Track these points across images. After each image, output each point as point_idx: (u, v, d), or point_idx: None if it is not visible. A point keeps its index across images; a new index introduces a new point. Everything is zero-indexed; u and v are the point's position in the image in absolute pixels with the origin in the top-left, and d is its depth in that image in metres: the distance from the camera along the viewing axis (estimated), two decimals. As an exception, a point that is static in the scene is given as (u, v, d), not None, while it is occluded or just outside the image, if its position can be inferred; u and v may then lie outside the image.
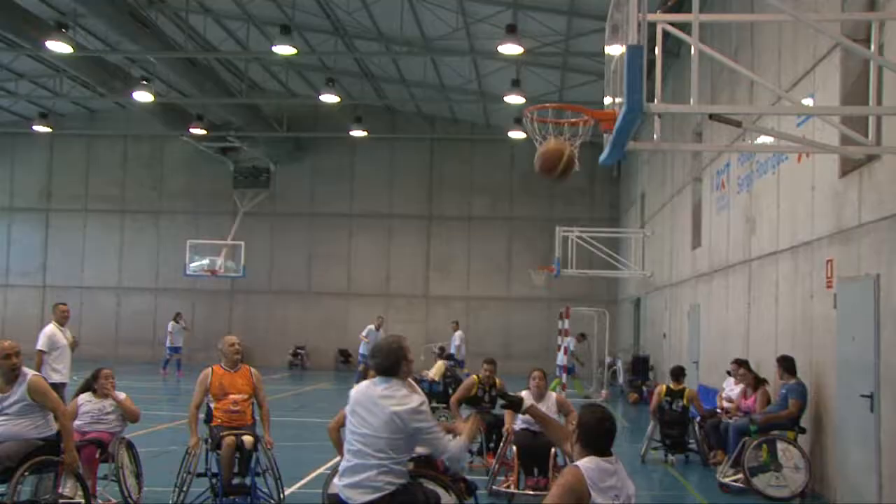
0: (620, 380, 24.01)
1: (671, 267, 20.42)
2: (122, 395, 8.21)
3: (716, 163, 15.60)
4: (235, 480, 7.80)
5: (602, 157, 7.19)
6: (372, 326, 24.73)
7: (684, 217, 18.79)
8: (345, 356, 30.25)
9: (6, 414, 6.60)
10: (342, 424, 7.63)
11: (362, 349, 24.07)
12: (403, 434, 4.97)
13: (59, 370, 10.94)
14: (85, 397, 8.02)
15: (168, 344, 25.54)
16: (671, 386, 12.19)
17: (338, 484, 5.04)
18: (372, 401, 5.02)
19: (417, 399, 5.09)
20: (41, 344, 11.07)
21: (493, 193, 31.46)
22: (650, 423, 12.13)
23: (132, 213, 32.69)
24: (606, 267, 24.43)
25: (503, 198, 31.44)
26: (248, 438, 7.76)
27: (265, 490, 7.87)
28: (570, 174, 6.90)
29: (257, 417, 8.17)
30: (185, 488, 7.75)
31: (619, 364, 24.49)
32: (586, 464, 4.28)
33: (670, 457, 11.89)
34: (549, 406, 8.97)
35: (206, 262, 28.59)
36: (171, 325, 25.83)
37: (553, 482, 8.11)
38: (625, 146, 6.77)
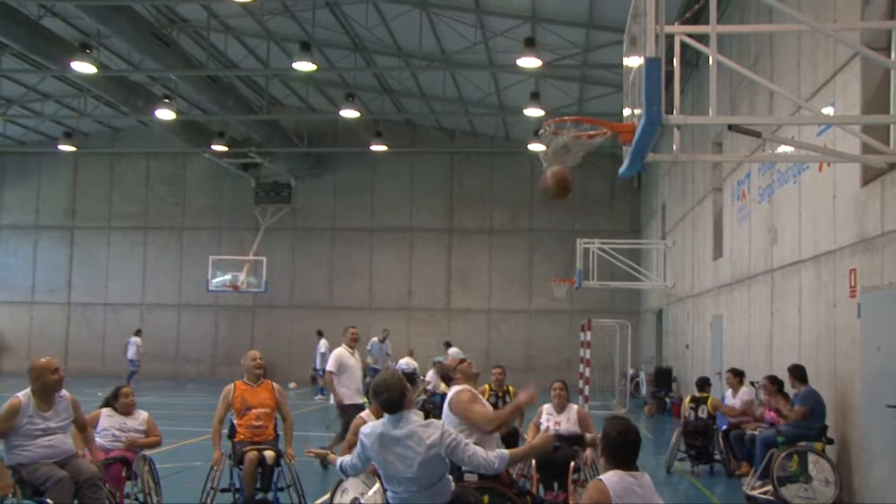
0: (643, 391, 23.89)
1: (693, 278, 20.31)
2: (144, 414, 8.28)
3: (736, 173, 15.54)
4: (259, 496, 7.84)
5: (622, 169, 7.20)
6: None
7: (705, 227, 18.70)
8: (363, 372, 30.24)
9: (54, 433, 6.60)
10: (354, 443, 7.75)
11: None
12: (443, 459, 5.05)
13: (347, 392, 10.90)
14: (107, 412, 8.05)
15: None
16: (696, 395, 12.16)
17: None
18: (401, 444, 4.99)
19: (435, 422, 5.18)
20: (330, 365, 11.21)
21: (513, 206, 31.46)
22: (675, 433, 12.07)
23: (155, 229, 32.99)
24: (628, 278, 24.35)
25: (523, 210, 31.44)
26: (269, 453, 7.80)
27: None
28: (568, 190, 7.00)
29: (281, 432, 8.21)
30: (207, 496, 7.80)
31: (642, 376, 24.35)
32: (610, 477, 4.29)
33: (695, 467, 11.82)
34: (570, 418, 8.93)
35: (228, 277, 28.75)
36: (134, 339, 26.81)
37: (572, 496, 8.09)
38: (644, 158, 6.78)
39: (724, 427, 11.83)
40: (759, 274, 13.68)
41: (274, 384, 8.26)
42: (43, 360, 6.75)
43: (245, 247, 30.29)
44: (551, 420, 8.89)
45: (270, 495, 7.87)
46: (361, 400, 11.03)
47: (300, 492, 7.95)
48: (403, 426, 5.01)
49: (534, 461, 8.72)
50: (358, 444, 5.25)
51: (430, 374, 14.65)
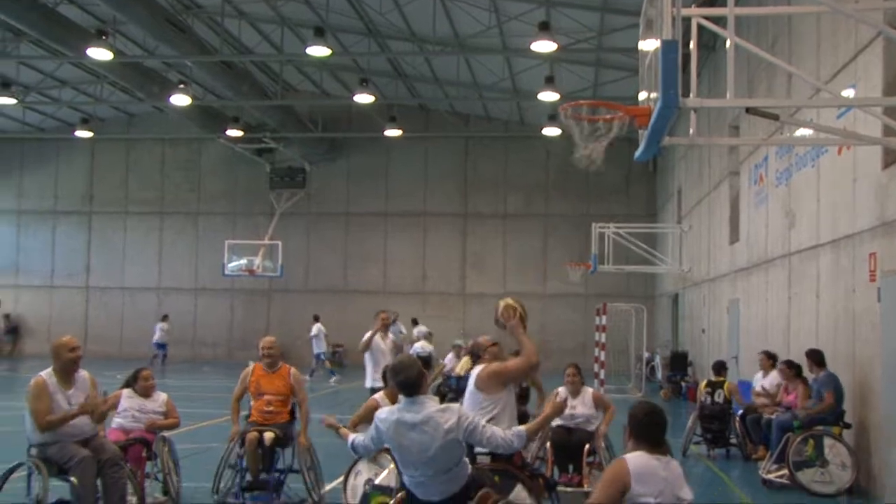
0: (658, 375, 23.86)
1: (709, 262, 20.24)
2: (163, 396, 8.36)
3: (753, 157, 15.44)
4: (262, 476, 7.93)
5: (637, 152, 7.16)
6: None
7: (722, 212, 18.62)
8: (382, 354, 30.33)
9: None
10: (361, 422, 7.81)
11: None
12: (460, 444, 5.07)
13: (376, 375, 10.83)
14: (127, 393, 8.13)
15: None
16: (712, 379, 12.15)
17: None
18: (417, 429, 4.99)
19: (452, 407, 5.20)
20: (362, 348, 11.26)
21: (527, 190, 31.41)
22: (691, 417, 12.07)
23: (171, 214, 33.15)
24: (643, 262, 24.30)
25: (538, 195, 31.38)
26: (268, 435, 7.86)
27: (296, 487, 7.99)
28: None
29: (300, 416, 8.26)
30: (221, 478, 7.91)
31: (657, 360, 24.32)
32: (633, 457, 4.32)
33: (711, 451, 11.82)
34: (585, 401, 8.94)
35: (244, 262, 28.86)
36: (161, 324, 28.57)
37: (586, 479, 8.13)
38: (660, 142, 6.74)
39: (741, 411, 11.82)
40: (777, 258, 13.62)
41: (291, 370, 8.28)
42: (64, 338, 6.85)
43: (260, 231, 30.40)
44: (567, 405, 8.90)
45: (275, 477, 7.97)
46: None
47: (315, 476, 7.99)
48: (420, 411, 5.01)
49: (549, 444, 8.75)
50: (373, 427, 5.26)
51: (448, 358, 14.68)
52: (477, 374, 6.26)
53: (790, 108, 10.83)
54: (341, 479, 7.83)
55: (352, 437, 5.53)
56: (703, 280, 20.93)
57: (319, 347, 25.11)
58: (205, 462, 8.15)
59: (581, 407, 8.88)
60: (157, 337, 28.53)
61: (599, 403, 9.01)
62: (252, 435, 7.85)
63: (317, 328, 25.21)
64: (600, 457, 8.49)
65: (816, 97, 10.59)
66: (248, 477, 7.90)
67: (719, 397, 11.88)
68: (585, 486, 8.12)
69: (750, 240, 15.84)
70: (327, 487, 8.39)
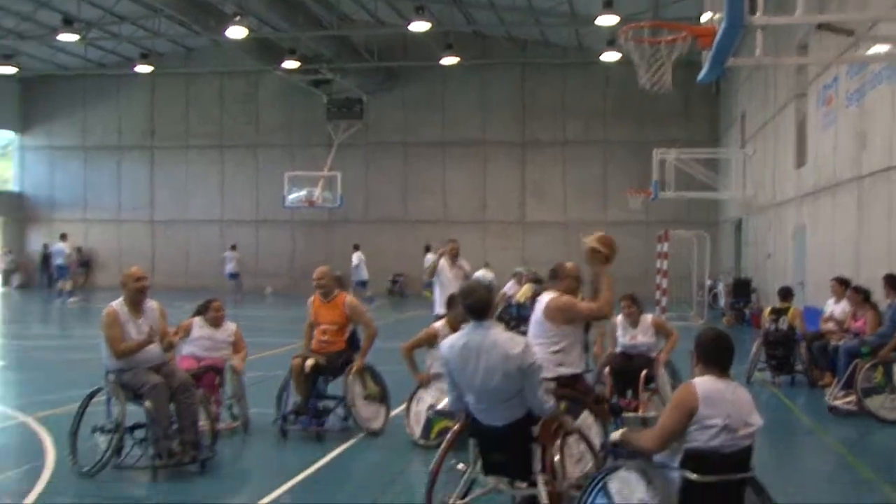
0: (721, 303, 23.62)
1: (774, 187, 19.79)
2: (232, 326, 8.57)
3: (822, 77, 14.90)
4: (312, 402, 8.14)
5: (700, 75, 6.97)
6: (431, 255, 24.44)
7: (788, 135, 18.11)
8: (442, 283, 30.55)
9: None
10: (418, 346, 7.90)
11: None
12: (522, 374, 4.99)
13: (440, 302, 10.92)
14: (198, 322, 8.36)
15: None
16: (776, 305, 11.96)
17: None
18: (483, 354, 4.96)
19: (518, 336, 5.20)
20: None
21: (586, 117, 30.91)
22: (755, 344, 11.94)
23: (230, 147, 33.51)
24: (706, 189, 23.87)
25: (597, 121, 30.88)
26: (308, 362, 7.99)
27: (341, 414, 8.15)
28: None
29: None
30: (282, 403, 8.14)
31: (720, 287, 24.06)
32: (701, 381, 4.32)
33: (776, 378, 11.71)
34: (645, 330, 8.88)
35: (303, 193, 29.12)
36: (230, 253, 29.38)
37: (643, 405, 8.15)
38: (724, 63, 6.55)
39: (801, 337, 11.63)
40: (846, 182, 13.25)
41: (346, 299, 8.30)
42: (132, 269, 7.05)
43: (318, 163, 30.56)
44: (627, 335, 8.88)
45: (320, 403, 8.14)
46: None
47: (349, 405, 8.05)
48: (487, 335, 5.01)
49: (608, 369, 8.76)
50: (442, 362, 5.27)
51: (509, 286, 14.72)
52: (546, 303, 6.17)
53: (866, 22, 10.35)
54: (403, 406, 8.02)
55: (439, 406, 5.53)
56: (768, 205, 20.50)
57: (360, 276, 25.52)
58: (269, 389, 8.38)
59: (641, 336, 8.84)
60: (229, 268, 29.25)
61: (661, 330, 8.94)
62: (296, 362, 8.04)
63: (357, 257, 25.92)
64: (658, 384, 8.47)
65: None
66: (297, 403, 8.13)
67: (783, 324, 11.70)
68: (641, 411, 8.14)
69: (817, 163, 15.42)
70: (392, 414, 8.56)
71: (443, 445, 5.35)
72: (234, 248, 29.87)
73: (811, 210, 15.97)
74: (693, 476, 4.19)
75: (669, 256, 21.27)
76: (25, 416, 8.82)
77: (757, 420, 4.33)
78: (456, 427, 5.41)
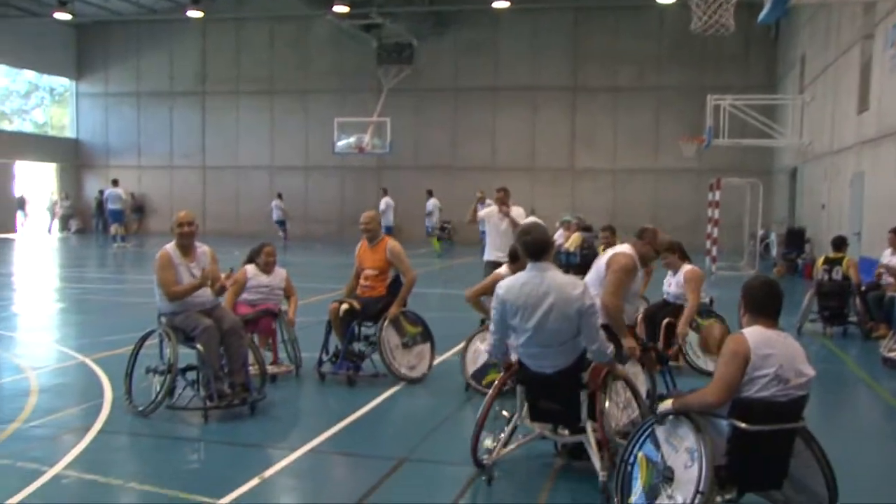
0: (773, 253, 23.21)
1: (832, 134, 19.24)
2: (283, 272, 8.65)
3: (892, 16, 14.32)
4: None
5: (762, 15, 6.76)
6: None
7: (850, 79, 17.53)
8: (490, 231, 30.45)
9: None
10: (484, 293, 7.82)
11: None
12: (581, 317, 5.02)
13: (487, 248, 11.18)
14: (252, 269, 8.46)
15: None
16: (830, 255, 11.69)
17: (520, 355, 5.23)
18: (542, 294, 4.98)
19: (577, 279, 5.18)
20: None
21: (640, 63, 30.26)
22: (807, 294, 11.72)
23: (280, 93, 33.57)
24: (760, 136, 23.32)
25: (651, 67, 30.22)
26: (344, 306, 8.06)
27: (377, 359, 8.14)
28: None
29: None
30: (325, 347, 8.27)
31: (773, 237, 23.62)
32: (750, 331, 4.24)
33: (828, 329, 11.51)
34: (678, 280, 8.65)
35: (352, 139, 29.13)
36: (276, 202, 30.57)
37: (671, 352, 8.08)
38: (787, 2, 6.32)
39: (863, 288, 11.38)
40: (909, 128, 12.81)
41: (388, 245, 8.23)
42: (180, 213, 7.12)
43: (368, 109, 30.50)
44: (665, 281, 8.86)
45: (356, 347, 8.24)
46: (497, 257, 11.13)
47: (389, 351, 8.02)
48: (545, 277, 5.02)
49: (640, 315, 8.63)
50: (495, 304, 5.16)
51: (558, 234, 14.64)
52: (615, 255, 6.00)
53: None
54: (450, 352, 8.06)
55: (482, 349, 5.53)
56: (825, 153, 19.97)
57: (386, 221, 24.99)
58: (317, 334, 8.48)
59: (675, 287, 8.71)
60: (276, 215, 30.15)
61: (687, 285, 8.44)
62: (333, 306, 8.14)
63: (384, 202, 26.55)
64: (678, 338, 8.19)
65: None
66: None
67: (837, 274, 11.44)
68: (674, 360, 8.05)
69: (881, 108, 14.92)
70: (437, 360, 8.61)
71: (490, 393, 5.38)
72: (280, 196, 30.72)
73: (871, 157, 15.51)
74: (743, 425, 4.14)
75: (721, 205, 20.90)
76: (84, 356, 9.08)
77: (809, 370, 4.24)
78: (502, 374, 5.43)
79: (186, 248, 7.00)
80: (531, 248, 5.08)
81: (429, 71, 31.71)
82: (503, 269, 7.88)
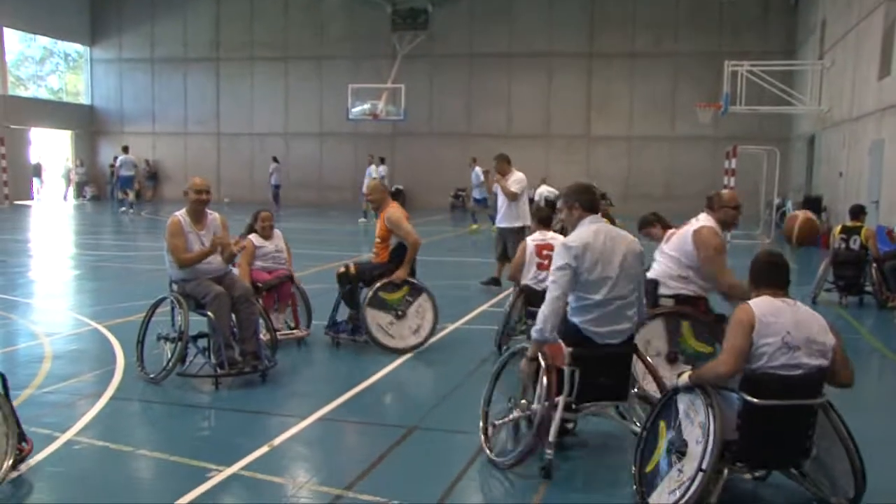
0: (790, 221, 22.99)
1: (852, 100, 18.96)
2: (279, 234, 8.67)
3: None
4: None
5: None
6: (478, 168, 23.04)
7: (872, 44, 17.23)
8: (504, 198, 30.29)
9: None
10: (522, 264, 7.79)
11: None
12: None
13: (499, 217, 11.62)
14: (256, 238, 8.45)
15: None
16: (847, 224, 11.54)
17: (578, 323, 4.98)
18: (613, 239, 4.96)
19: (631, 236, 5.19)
20: (516, 188, 11.53)
21: (657, 28, 29.88)
22: (822, 263, 11.59)
23: (295, 59, 33.39)
24: (778, 103, 23.04)
25: (668, 33, 29.83)
26: (340, 269, 8.19)
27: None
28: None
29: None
30: (336, 310, 8.38)
31: (789, 205, 23.40)
32: (756, 301, 4.23)
33: (843, 299, 11.40)
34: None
35: (367, 106, 29.01)
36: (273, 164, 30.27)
37: None
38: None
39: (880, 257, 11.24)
40: (930, 95, 12.59)
41: (388, 212, 8.10)
42: (195, 180, 7.08)
43: (383, 75, 30.31)
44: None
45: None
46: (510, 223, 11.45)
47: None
48: (610, 228, 5.05)
49: None
50: (566, 260, 4.88)
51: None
52: (700, 229, 6.06)
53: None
54: (461, 321, 8.03)
55: (535, 327, 4.96)
56: (844, 120, 19.70)
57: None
58: (329, 300, 8.49)
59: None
60: (273, 179, 30.10)
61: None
62: (340, 269, 8.23)
63: (376, 170, 25.32)
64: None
65: None
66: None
67: (855, 243, 11.29)
68: None
69: (901, 75, 14.67)
70: (452, 328, 8.60)
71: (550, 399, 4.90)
72: (275, 160, 30.52)
73: (891, 125, 15.28)
74: (752, 399, 4.09)
75: (737, 173, 20.68)
76: (98, 323, 9.13)
77: (828, 339, 4.17)
78: (547, 371, 4.91)
79: (198, 215, 6.98)
80: (591, 204, 5.09)
81: (444, 37, 31.44)
82: (535, 236, 7.85)
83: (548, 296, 4.88)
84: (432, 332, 8.16)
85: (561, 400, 4.87)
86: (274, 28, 33.38)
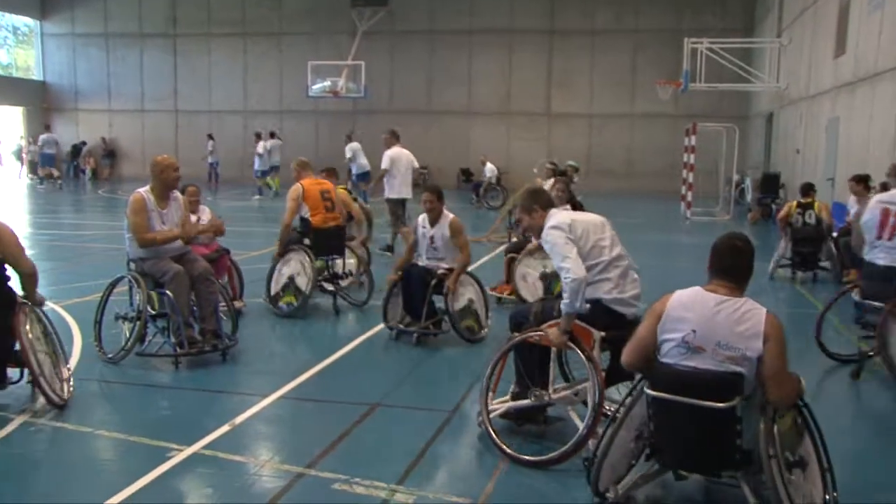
0: (748, 198, 23.31)
1: (809, 78, 19.20)
2: (207, 209, 8.82)
3: (868, -41, 14.20)
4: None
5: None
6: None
7: (828, 21, 17.44)
8: (466, 175, 30.35)
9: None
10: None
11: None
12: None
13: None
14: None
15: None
16: (801, 200, 11.71)
17: (609, 297, 4.93)
18: (589, 216, 5.26)
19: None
20: (384, 164, 12.80)
21: (617, 5, 29.94)
22: (781, 241, 11.75)
23: (253, 35, 32.92)
24: (737, 80, 23.24)
25: (628, 9, 29.91)
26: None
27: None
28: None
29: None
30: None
31: (748, 182, 23.70)
32: (683, 291, 3.93)
33: (798, 273, 11.58)
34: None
35: (327, 83, 28.75)
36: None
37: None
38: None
39: (836, 233, 11.44)
40: (887, 71, 12.79)
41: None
42: (168, 158, 6.93)
43: (343, 52, 30.02)
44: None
45: None
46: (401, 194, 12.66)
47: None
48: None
49: None
50: (559, 241, 4.92)
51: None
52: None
53: None
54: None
55: (564, 301, 4.84)
56: (801, 98, 19.95)
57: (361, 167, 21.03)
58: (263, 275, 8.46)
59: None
60: (212, 158, 30.25)
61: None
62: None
63: (350, 149, 20.92)
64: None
65: None
66: None
67: (810, 218, 11.48)
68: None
69: (858, 51, 14.88)
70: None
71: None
72: (210, 136, 30.59)
73: (847, 102, 15.50)
74: (647, 389, 3.91)
75: (697, 151, 20.88)
76: (54, 303, 8.95)
77: (746, 347, 3.69)
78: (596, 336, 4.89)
79: (164, 194, 6.85)
80: (548, 200, 5.33)
81: (404, 13, 31.19)
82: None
83: (568, 266, 4.79)
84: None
85: (550, 386, 4.96)
86: (231, 3, 32.84)
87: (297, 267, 8.59)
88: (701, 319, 3.77)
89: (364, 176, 19.41)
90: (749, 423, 3.76)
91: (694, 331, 3.77)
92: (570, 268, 4.79)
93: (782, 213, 11.84)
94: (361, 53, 29.52)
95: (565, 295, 4.79)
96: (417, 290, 7.46)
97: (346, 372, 6.78)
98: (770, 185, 21.27)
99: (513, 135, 30.43)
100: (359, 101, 30.29)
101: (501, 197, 22.88)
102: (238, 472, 4.60)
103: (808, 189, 11.88)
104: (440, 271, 7.48)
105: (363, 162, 19.88)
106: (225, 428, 5.24)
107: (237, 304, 8.35)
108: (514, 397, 5.23)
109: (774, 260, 11.62)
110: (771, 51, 23.31)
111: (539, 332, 4.95)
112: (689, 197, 20.79)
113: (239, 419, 5.43)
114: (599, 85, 30.51)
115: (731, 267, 3.88)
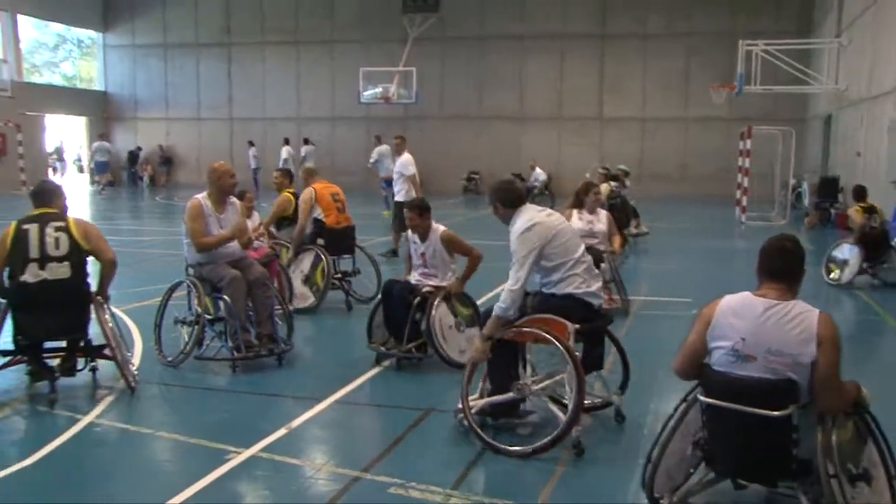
0: (805, 202, 22.86)
1: (870, 78, 18.78)
2: (257, 217, 9.07)
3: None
4: None
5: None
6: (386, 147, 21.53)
7: (891, 21, 17.04)
8: (519, 180, 30.23)
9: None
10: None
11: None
12: None
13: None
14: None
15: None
16: (862, 204, 11.43)
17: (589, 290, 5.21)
18: (553, 215, 5.35)
19: None
20: (411, 168, 14.00)
21: (670, 8, 29.65)
22: (856, 249, 11.08)
23: (306, 43, 33.32)
24: (794, 82, 22.82)
25: (681, 13, 29.60)
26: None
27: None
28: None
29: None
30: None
31: (805, 186, 23.24)
32: (733, 295, 3.83)
33: (875, 279, 11.17)
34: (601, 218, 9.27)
35: (379, 89, 28.95)
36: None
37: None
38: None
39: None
40: (949, 73, 12.43)
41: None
42: (224, 165, 7.12)
43: (394, 58, 30.20)
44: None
45: None
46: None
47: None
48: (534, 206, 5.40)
49: None
50: (524, 247, 5.07)
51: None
52: None
53: None
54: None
55: (500, 305, 5.03)
56: (862, 99, 19.51)
57: (386, 171, 21.40)
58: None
59: (598, 224, 9.21)
60: (253, 163, 30.54)
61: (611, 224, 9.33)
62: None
63: (377, 152, 22.07)
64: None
65: None
66: None
67: (875, 221, 11.20)
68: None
69: (919, 53, 14.49)
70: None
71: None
72: (251, 143, 31.08)
73: (909, 104, 15.12)
74: (700, 396, 3.83)
75: (752, 154, 20.55)
76: (116, 307, 9.15)
77: (803, 353, 3.58)
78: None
79: (221, 200, 7.00)
80: (512, 199, 5.31)
81: (455, 19, 31.28)
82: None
83: (516, 275, 5.03)
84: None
85: (529, 379, 5.19)
86: (284, 12, 33.31)
87: (309, 265, 9.13)
88: (750, 327, 3.68)
89: (387, 182, 18.89)
90: (807, 433, 3.66)
91: (743, 339, 3.68)
92: (521, 278, 5.02)
93: (857, 218, 11.40)
94: (412, 59, 29.67)
95: (505, 300, 5.01)
96: (399, 308, 6.83)
97: (399, 376, 6.81)
98: (829, 188, 20.83)
99: (564, 140, 30.29)
100: (410, 106, 30.45)
101: (549, 203, 22.78)
102: (294, 476, 4.66)
103: (862, 192, 11.64)
104: (425, 289, 6.83)
105: (389, 165, 19.22)
106: (282, 431, 5.31)
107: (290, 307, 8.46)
108: (488, 393, 5.31)
109: (851, 269, 11.00)
110: (829, 52, 22.86)
111: (514, 329, 5.13)
112: (744, 201, 20.46)
113: (295, 423, 5.50)
114: (652, 89, 30.23)
115: (780, 269, 3.77)
